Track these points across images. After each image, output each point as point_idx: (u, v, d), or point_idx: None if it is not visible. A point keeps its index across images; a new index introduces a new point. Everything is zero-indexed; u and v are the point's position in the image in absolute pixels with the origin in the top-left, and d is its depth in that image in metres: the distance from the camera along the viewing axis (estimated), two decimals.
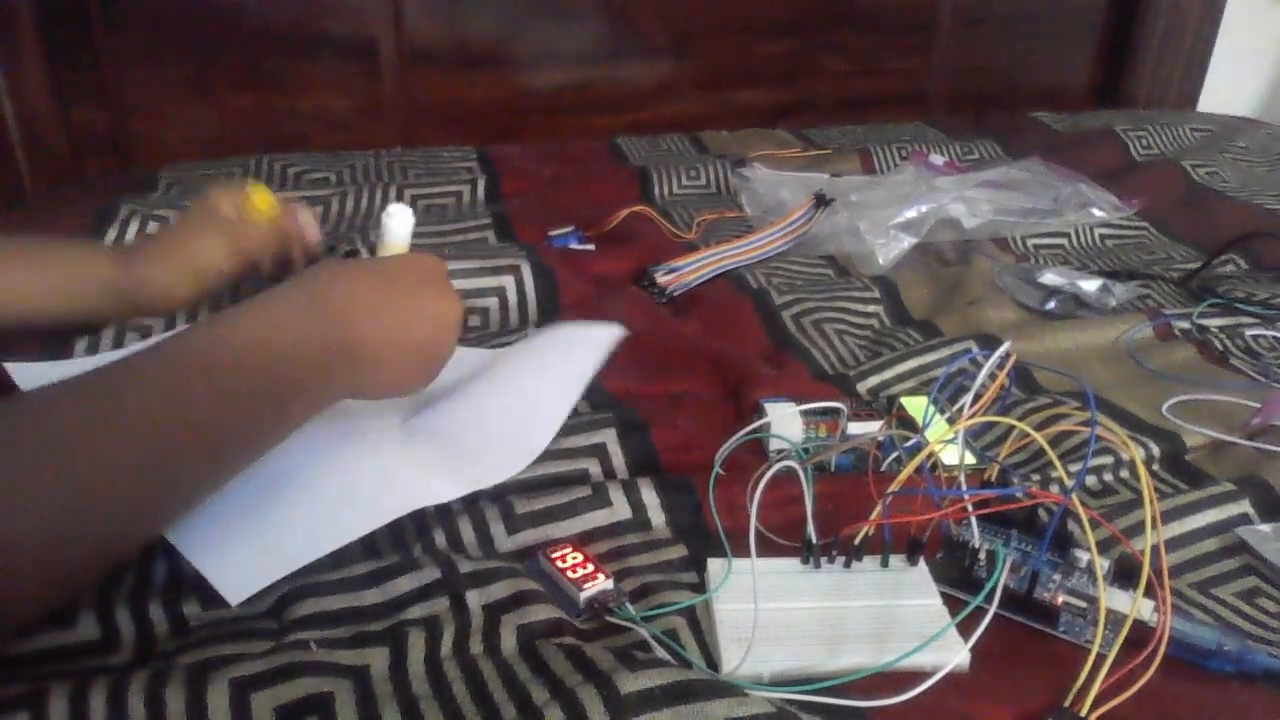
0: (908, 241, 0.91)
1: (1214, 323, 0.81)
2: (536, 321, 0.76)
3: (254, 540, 0.46)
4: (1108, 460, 0.60)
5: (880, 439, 0.57)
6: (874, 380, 0.70)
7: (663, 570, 0.49)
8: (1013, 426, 0.49)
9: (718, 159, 1.15)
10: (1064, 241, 1.01)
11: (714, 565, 0.48)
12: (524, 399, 0.59)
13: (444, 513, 0.51)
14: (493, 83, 1.27)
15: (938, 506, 0.47)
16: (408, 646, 0.42)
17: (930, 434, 0.52)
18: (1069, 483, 0.55)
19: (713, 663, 0.43)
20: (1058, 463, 0.48)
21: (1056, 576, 0.46)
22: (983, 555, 0.48)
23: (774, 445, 0.59)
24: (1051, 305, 0.84)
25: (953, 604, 0.46)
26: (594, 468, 0.57)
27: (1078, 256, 0.98)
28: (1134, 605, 0.43)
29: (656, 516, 0.53)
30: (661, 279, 0.82)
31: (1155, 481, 0.60)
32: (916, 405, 0.62)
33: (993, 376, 0.48)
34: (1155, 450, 0.62)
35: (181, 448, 0.40)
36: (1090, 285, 0.85)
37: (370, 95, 1.22)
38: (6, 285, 0.64)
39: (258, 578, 0.44)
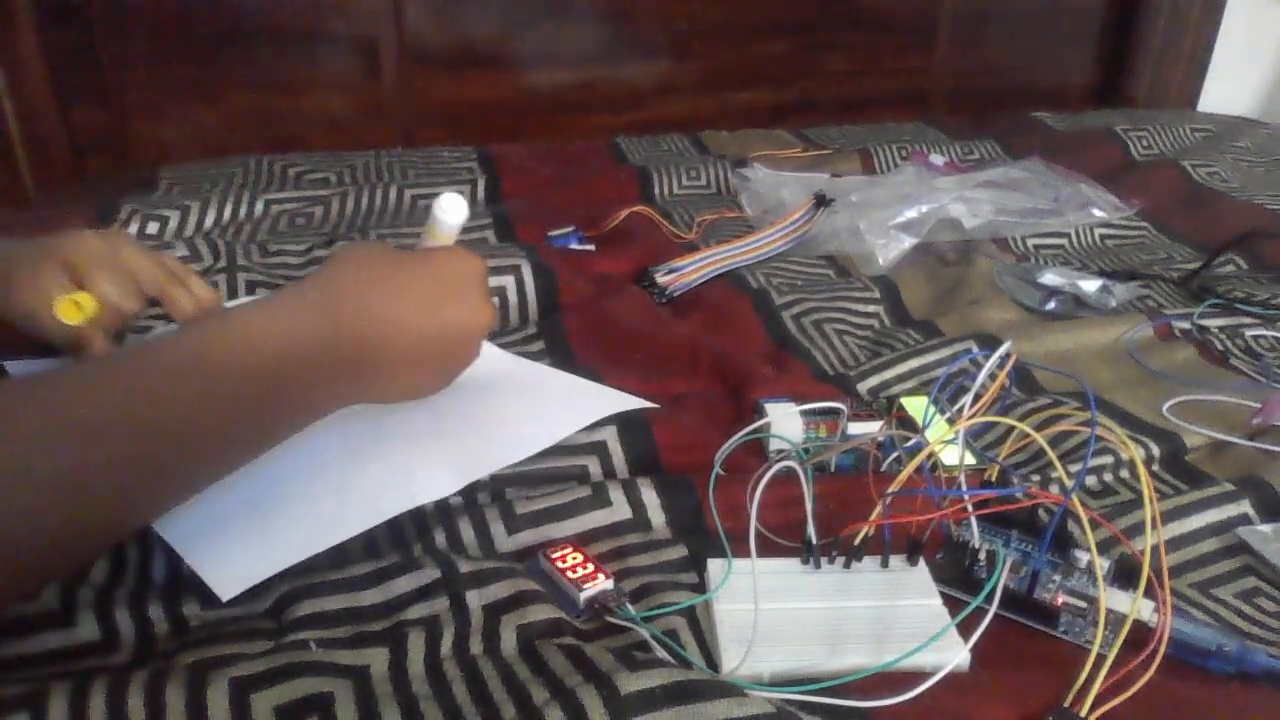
0: (908, 241, 0.91)
1: (1214, 323, 0.81)
2: (536, 321, 0.76)
3: (247, 537, 0.46)
4: (1108, 460, 0.60)
5: (880, 439, 0.57)
6: (874, 380, 0.70)
7: (663, 570, 0.49)
8: (1013, 427, 0.49)
9: (718, 159, 1.15)
10: (1064, 242, 1.01)
11: (714, 565, 0.48)
12: (534, 403, 0.59)
13: (444, 513, 0.51)
14: (493, 83, 1.27)
15: (938, 507, 0.47)
16: (408, 646, 0.42)
17: (930, 434, 0.52)
18: (1069, 483, 0.54)
19: (713, 663, 0.43)
20: (1058, 463, 0.48)
21: (1056, 577, 0.46)
22: (983, 555, 0.48)
23: (774, 445, 0.59)
24: (1052, 305, 0.84)
25: (953, 604, 0.46)
26: (594, 466, 0.57)
27: (1078, 256, 0.98)
28: (1134, 605, 0.43)
29: (657, 516, 0.53)
30: (662, 279, 0.82)
31: (1155, 482, 0.60)
32: (916, 405, 0.62)
33: (993, 377, 0.48)
34: (1155, 450, 0.62)
35: (158, 447, 0.40)
36: (1090, 285, 0.85)
37: (370, 95, 1.22)
38: None
39: (250, 574, 0.44)
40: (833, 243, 0.94)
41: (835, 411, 0.60)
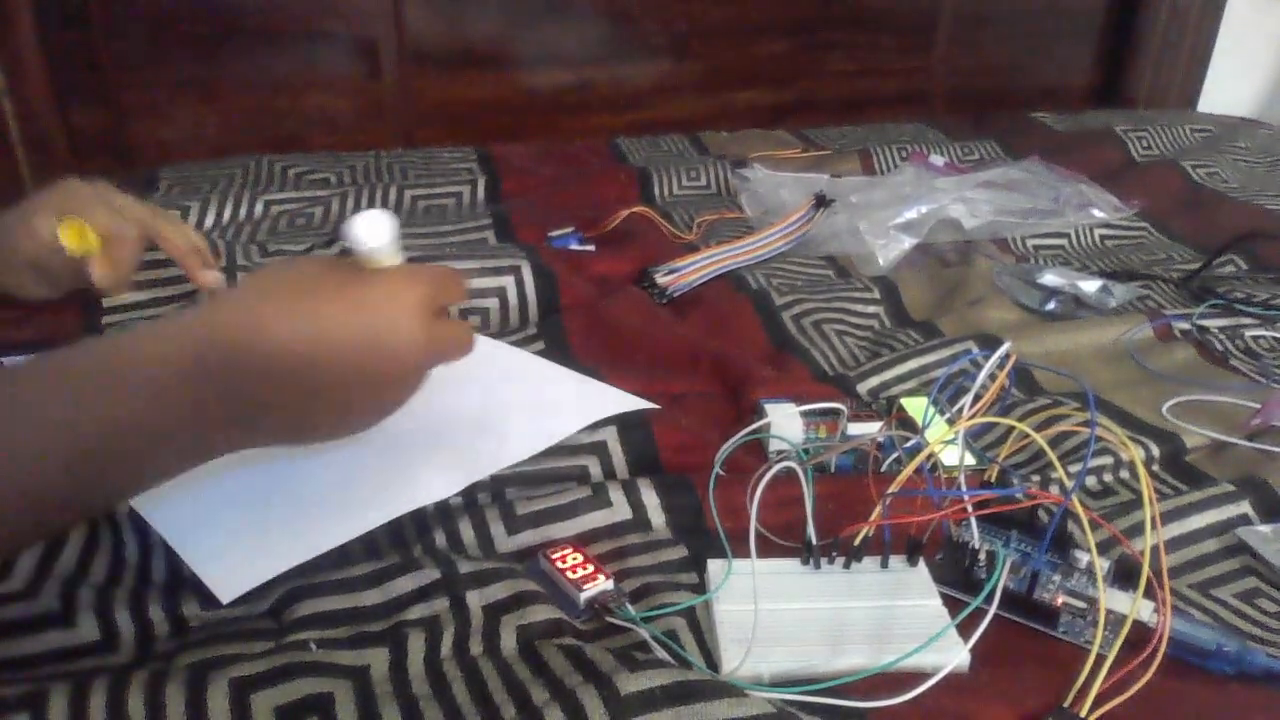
0: (908, 242, 0.91)
1: (1214, 323, 0.81)
2: (536, 322, 0.76)
3: (248, 539, 0.46)
4: (1107, 461, 0.60)
5: (880, 440, 0.57)
6: (874, 381, 0.70)
7: (663, 571, 0.49)
8: (1013, 427, 0.49)
9: (718, 159, 1.15)
10: (1064, 242, 1.01)
11: (714, 566, 0.48)
12: (534, 403, 0.59)
13: (444, 513, 0.51)
14: (493, 83, 1.27)
15: (938, 507, 0.47)
16: (408, 647, 0.42)
17: (930, 435, 0.52)
18: (1069, 483, 0.54)
19: (713, 663, 0.43)
20: (1057, 463, 0.48)
21: (1056, 577, 0.46)
22: (983, 556, 0.48)
23: (774, 446, 0.59)
24: (1051, 306, 0.84)
25: (953, 604, 0.46)
26: (594, 466, 0.57)
27: (1078, 257, 0.98)
28: (1134, 606, 0.43)
29: (657, 517, 0.53)
30: (662, 280, 0.82)
31: (1155, 482, 0.60)
32: (916, 406, 0.62)
33: (993, 377, 0.49)
34: (1155, 451, 0.62)
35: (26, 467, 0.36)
36: (1090, 286, 0.85)
37: (370, 95, 1.22)
38: None
39: (250, 577, 0.44)
40: (833, 243, 0.94)
41: (835, 412, 0.60)
